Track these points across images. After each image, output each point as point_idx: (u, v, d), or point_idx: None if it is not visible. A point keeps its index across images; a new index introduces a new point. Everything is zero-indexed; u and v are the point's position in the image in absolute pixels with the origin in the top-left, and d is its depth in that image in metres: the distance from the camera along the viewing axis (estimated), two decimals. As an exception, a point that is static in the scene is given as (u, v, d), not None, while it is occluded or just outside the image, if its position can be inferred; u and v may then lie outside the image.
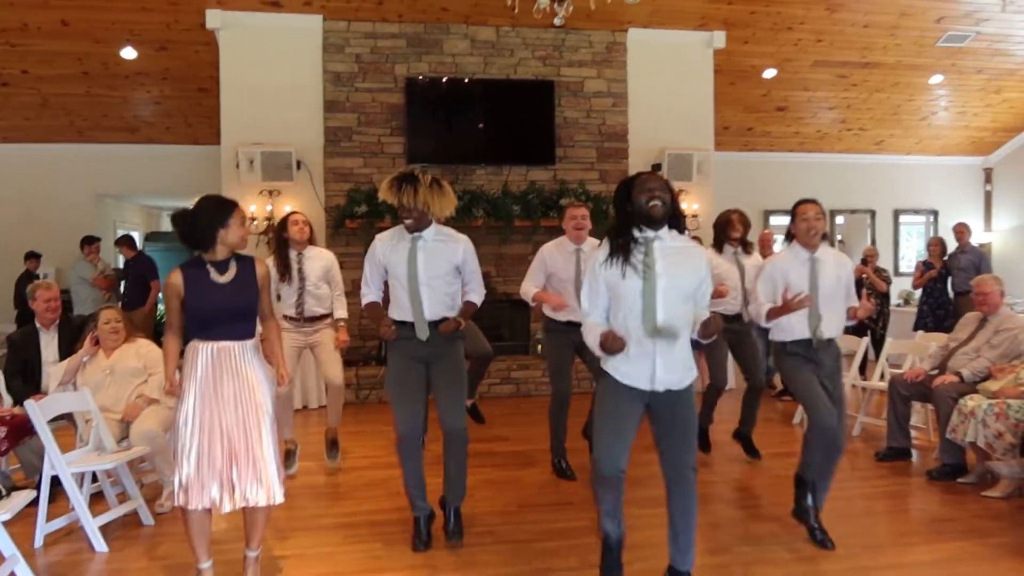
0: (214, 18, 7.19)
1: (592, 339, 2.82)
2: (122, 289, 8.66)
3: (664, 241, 2.82)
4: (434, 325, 3.53)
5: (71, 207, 9.44)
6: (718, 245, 5.07)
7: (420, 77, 7.64)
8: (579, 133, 8.03)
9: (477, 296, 3.73)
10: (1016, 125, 10.69)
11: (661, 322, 2.77)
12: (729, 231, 5.02)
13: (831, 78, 9.20)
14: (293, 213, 4.92)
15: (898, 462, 4.96)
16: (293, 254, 4.79)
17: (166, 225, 12.87)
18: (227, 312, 2.99)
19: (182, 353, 3.10)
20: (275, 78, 7.44)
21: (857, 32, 8.24)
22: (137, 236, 10.76)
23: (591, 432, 4.89)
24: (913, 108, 10.05)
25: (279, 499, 3.02)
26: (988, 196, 11.64)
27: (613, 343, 2.71)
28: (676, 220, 2.86)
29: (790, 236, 3.72)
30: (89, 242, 8.64)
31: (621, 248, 2.80)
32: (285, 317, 4.79)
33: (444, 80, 7.69)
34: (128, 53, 7.70)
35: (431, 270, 3.50)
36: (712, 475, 4.80)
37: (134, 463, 4.23)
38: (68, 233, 9.22)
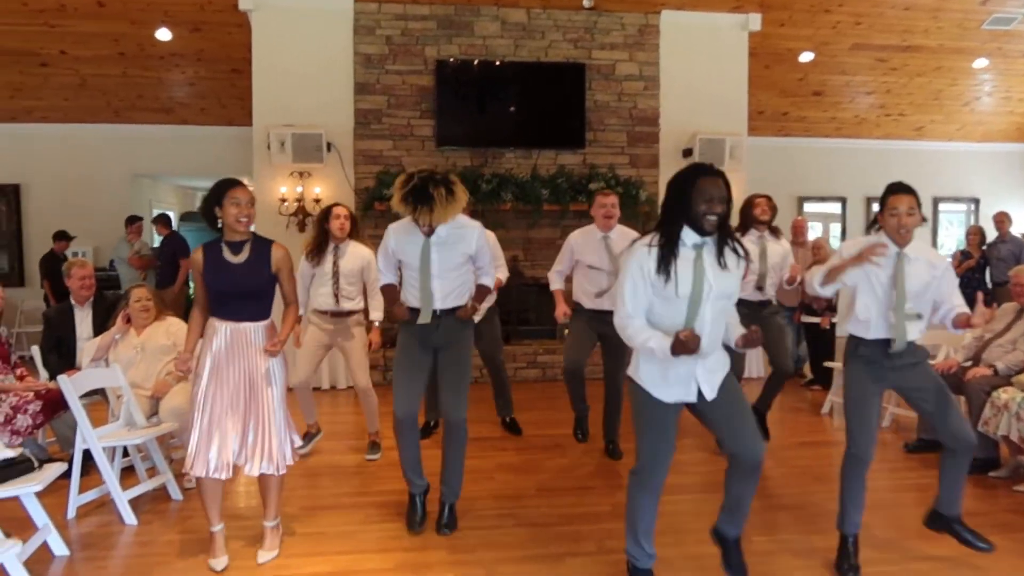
0: (247, 0, 7.23)
1: (655, 343, 2.62)
2: (158, 268, 8.83)
3: (711, 247, 2.70)
4: (447, 313, 3.54)
5: (108, 187, 9.62)
6: (743, 228, 5.00)
7: (450, 59, 7.62)
8: (610, 117, 7.95)
9: (490, 279, 3.72)
10: (1063, 111, 10.37)
11: (706, 333, 2.67)
12: (755, 212, 4.97)
13: (870, 62, 8.98)
14: (336, 205, 4.84)
15: (928, 454, 4.86)
16: (331, 246, 4.77)
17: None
18: (239, 292, 3.09)
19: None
20: (306, 60, 7.47)
21: (898, 15, 8.02)
22: (172, 216, 10.93)
23: (612, 427, 4.84)
24: (955, 93, 9.78)
25: (283, 470, 3.20)
26: (1032, 184, 11.33)
27: (692, 341, 2.56)
28: (725, 226, 2.71)
29: (875, 224, 3.24)
30: (131, 222, 8.82)
31: (668, 256, 2.65)
32: (314, 311, 4.82)
33: (474, 63, 7.66)
34: (163, 34, 7.78)
35: (444, 264, 3.50)
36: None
37: (164, 439, 4.33)
38: (105, 213, 9.42)
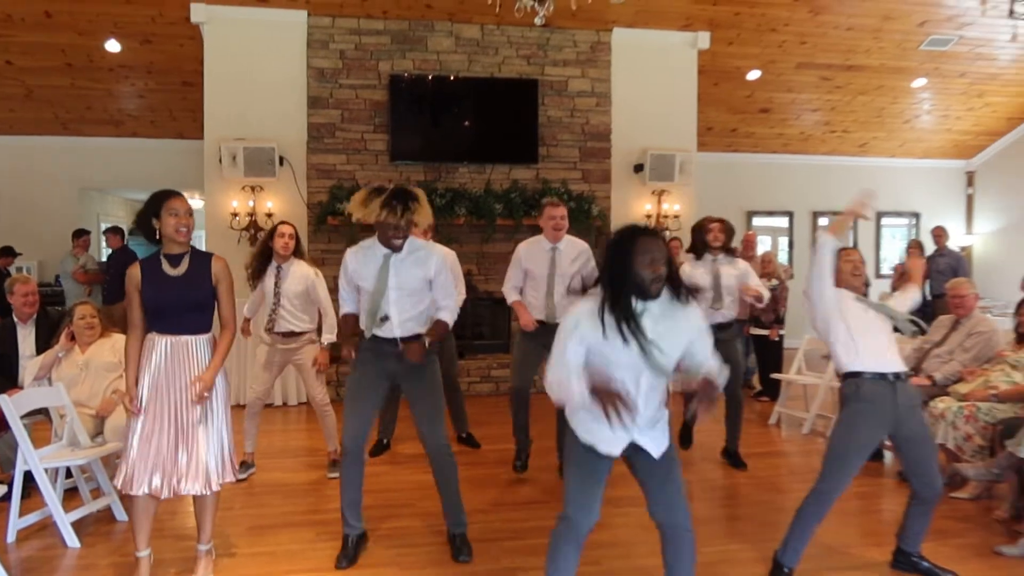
0: (199, 12, 7.16)
1: (575, 391, 2.44)
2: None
3: (653, 311, 2.50)
4: (404, 341, 3.42)
5: (55, 200, 9.41)
6: (696, 252, 5.04)
7: (404, 74, 7.64)
8: (562, 132, 8.05)
9: (449, 315, 3.52)
10: (998, 129, 10.80)
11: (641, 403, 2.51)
12: (707, 237, 4.98)
13: (815, 80, 9.25)
14: (282, 223, 4.81)
15: (870, 463, 4.99)
16: (273, 266, 4.74)
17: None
18: (179, 305, 3.05)
19: None
20: (259, 73, 7.42)
21: (840, 35, 8.29)
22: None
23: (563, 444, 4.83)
24: (896, 111, 10.13)
25: (215, 487, 3.13)
26: (970, 199, 11.75)
27: (607, 389, 2.36)
28: (674, 283, 2.54)
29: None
30: (77, 236, 8.63)
31: (617, 319, 2.46)
32: (266, 331, 4.80)
33: (428, 77, 7.69)
34: (112, 46, 7.66)
35: (403, 286, 3.39)
36: (688, 474, 4.83)
37: (109, 459, 4.23)
38: (52, 226, 9.22)
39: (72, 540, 3.61)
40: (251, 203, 7.44)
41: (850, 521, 4.03)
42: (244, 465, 4.83)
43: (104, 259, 9.04)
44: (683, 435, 5.31)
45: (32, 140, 9.24)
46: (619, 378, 2.47)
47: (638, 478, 2.66)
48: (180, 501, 3.90)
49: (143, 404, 3.04)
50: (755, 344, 7.47)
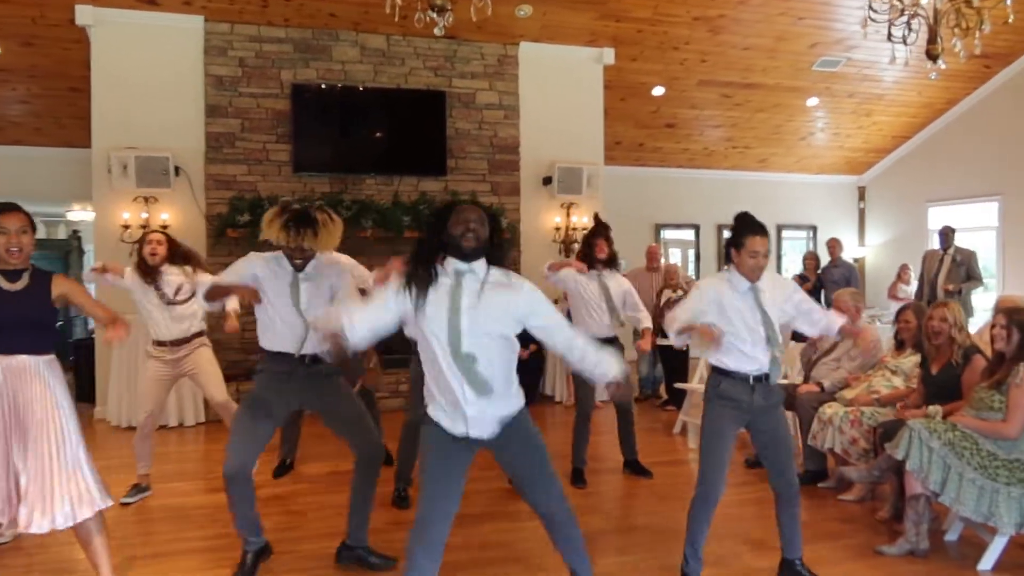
0: (84, 14, 6.80)
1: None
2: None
3: (476, 275, 2.60)
4: (313, 360, 3.34)
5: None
6: (588, 262, 5.00)
7: (308, 84, 7.47)
8: (471, 144, 8.03)
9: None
10: (885, 146, 11.39)
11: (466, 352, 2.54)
12: (594, 252, 4.99)
13: (716, 97, 9.55)
14: (151, 232, 4.81)
15: (761, 469, 5.13)
16: (133, 276, 4.61)
17: (41, 231, 12.14)
18: (16, 321, 2.86)
19: None
20: (152, 79, 7.11)
21: (738, 54, 8.58)
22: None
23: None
24: (792, 128, 10.55)
25: (78, 518, 2.89)
26: (862, 213, 12.35)
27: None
28: (495, 253, 2.67)
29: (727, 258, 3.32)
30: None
31: (420, 279, 2.57)
32: (155, 345, 4.63)
33: (333, 87, 7.55)
34: (-10, 48, 7.21)
35: (313, 303, 3.33)
36: (590, 488, 4.85)
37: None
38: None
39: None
40: (144, 215, 7.10)
41: (741, 527, 4.10)
42: (137, 488, 4.61)
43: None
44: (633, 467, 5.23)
45: (-100, 147, 8.60)
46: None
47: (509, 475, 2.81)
48: (50, 535, 3.64)
49: None
50: (661, 354, 7.59)
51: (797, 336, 8.14)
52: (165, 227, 7.08)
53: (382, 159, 7.76)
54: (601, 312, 4.90)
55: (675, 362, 7.46)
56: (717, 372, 3.29)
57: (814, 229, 12.12)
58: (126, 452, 4.99)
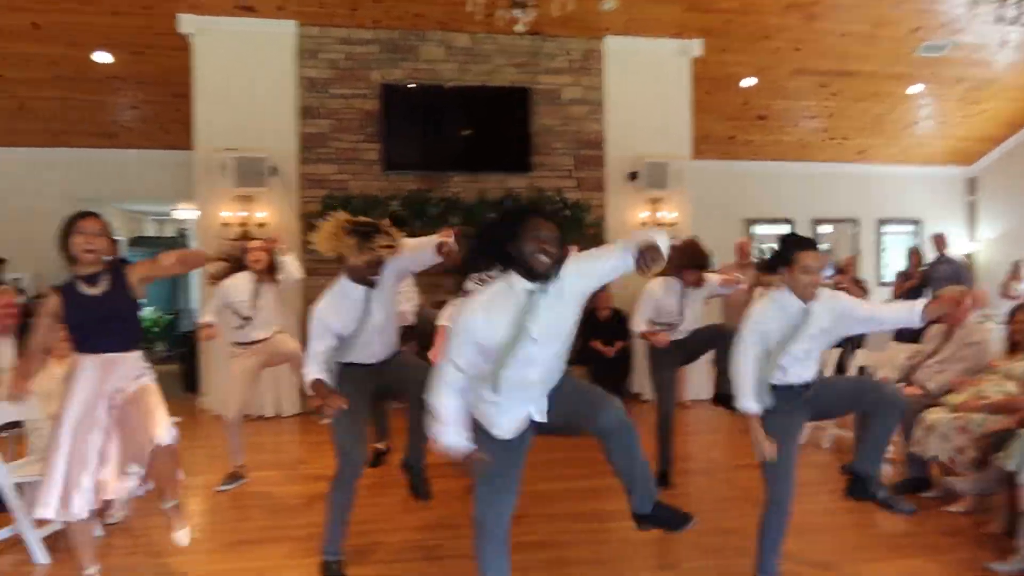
0: (187, 23, 7.15)
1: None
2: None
3: (546, 293, 2.46)
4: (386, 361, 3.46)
5: (49, 212, 9.29)
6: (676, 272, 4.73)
7: (397, 83, 7.61)
8: (555, 140, 8.00)
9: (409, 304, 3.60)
10: (997, 135, 10.69)
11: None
12: (685, 276, 4.71)
13: (811, 87, 9.18)
14: (252, 240, 5.04)
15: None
16: (249, 282, 4.79)
17: (150, 230, 12.83)
18: (102, 323, 3.02)
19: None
20: (249, 84, 7.40)
21: (835, 41, 8.22)
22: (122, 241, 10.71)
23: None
24: (895, 117, 10.04)
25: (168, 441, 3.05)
26: (971, 206, 11.64)
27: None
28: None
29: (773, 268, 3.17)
30: (67, 247, 8.59)
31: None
32: (236, 345, 4.84)
33: (420, 86, 7.66)
34: (102, 57, 7.65)
35: (382, 314, 3.35)
36: (685, 487, 4.76)
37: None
38: (46, 238, 9.10)
39: (42, 556, 3.55)
40: (243, 213, 7.40)
41: (839, 536, 3.94)
42: (233, 476, 4.81)
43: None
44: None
45: (25, 152, 9.21)
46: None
47: (556, 432, 2.73)
48: (156, 516, 3.83)
49: (69, 428, 2.98)
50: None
51: (902, 334, 7.77)
52: (262, 225, 7.38)
53: (468, 156, 7.82)
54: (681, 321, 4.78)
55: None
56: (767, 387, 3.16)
57: (918, 223, 11.50)
58: (253, 442, 5.20)
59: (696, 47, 8.13)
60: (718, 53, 8.28)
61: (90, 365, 3.03)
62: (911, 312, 3.11)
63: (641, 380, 7.85)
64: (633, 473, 2.68)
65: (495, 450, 2.56)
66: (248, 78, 7.39)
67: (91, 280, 3.05)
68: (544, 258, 2.39)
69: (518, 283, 2.43)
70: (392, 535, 3.92)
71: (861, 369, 5.98)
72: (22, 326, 4.77)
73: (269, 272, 4.86)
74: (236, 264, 4.85)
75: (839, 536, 3.92)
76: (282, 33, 7.40)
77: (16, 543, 3.72)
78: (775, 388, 3.12)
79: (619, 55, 8.07)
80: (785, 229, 11.18)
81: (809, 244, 3.07)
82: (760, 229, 11.17)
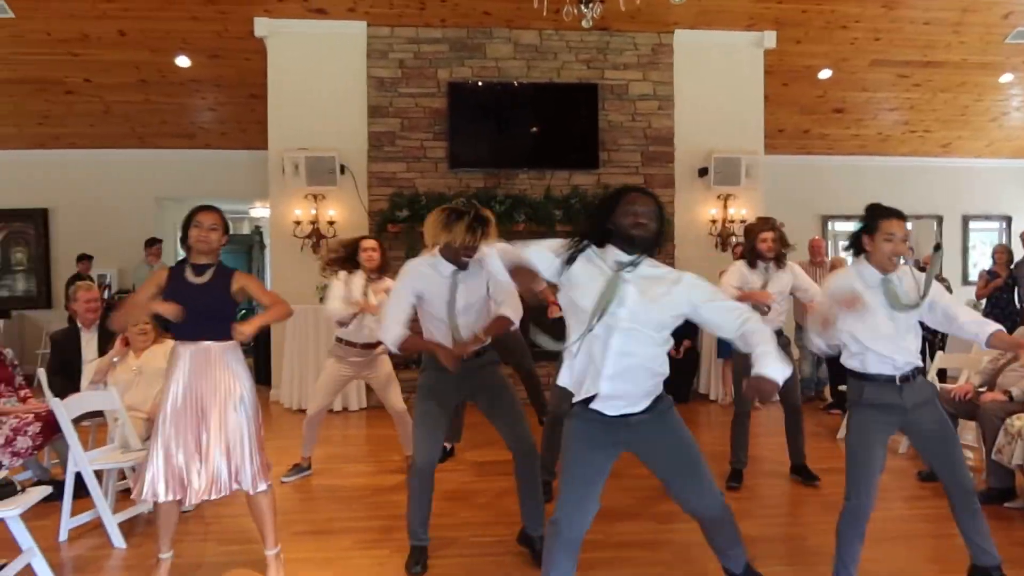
0: (262, 26, 7.35)
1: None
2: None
3: (636, 268, 2.52)
4: (475, 355, 3.40)
5: (133, 210, 9.81)
6: (750, 260, 4.68)
7: (464, 81, 7.65)
8: (623, 136, 7.90)
9: (511, 311, 3.45)
10: (1097, 126, 10.06)
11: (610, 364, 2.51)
12: (760, 247, 4.62)
13: (891, 78, 8.81)
14: (364, 239, 4.94)
15: (937, 483, 4.68)
16: (362, 279, 4.77)
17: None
18: (200, 311, 3.10)
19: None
20: (320, 84, 7.56)
21: (917, 30, 7.87)
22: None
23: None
24: (982, 109, 9.55)
25: (250, 488, 3.15)
26: (1067, 201, 11.00)
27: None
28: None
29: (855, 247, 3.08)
30: (150, 244, 8.97)
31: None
32: (342, 343, 4.81)
33: (487, 84, 7.68)
34: (182, 61, 7.94)
35: (469, 301, 3.36)
36: (755, 489, 4.64)
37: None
38: (130, 235, 9.60)
39: (118, 540, 3.70)
40: (313, 211, 7.57)
41: (914, 546, 3.76)
42: (298, 467, 4.92)
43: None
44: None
45: (111, 153, 9.67)
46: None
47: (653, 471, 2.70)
48: (233, 505, 3.95)
49: (169, 416, 3.09)
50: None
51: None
52: (331, 223, 7.53)
53: (534, 153, 7.81)
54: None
55: (837, 363, 6.96)
56: (856, 377, 3.04)
57: (1007, 220, 10.93)
58: (296, 432, 5.30)
59: (770, 38, 7.90)
60: (792, 44, 8.04)
61: (185, 353, 3.15)
62: (980, 329, 2.95)
63: (707, 380, 7.70)
64: (728, 553, 2.77)
65: (594, 434, 2.59)
66: (319, 79, 7.56)
67: (199, 270, 3.18)
68: (639, 231, 2.47)
69: (611, 255, 2.51)
70: (470, 530, 3.93)
71: (941, 373, 5.72)
72: (103, 320, 5.00)
73: (380, 272, 4.84)
74: (350, 260, 4.86)
75: (913, 546, 3.75)
76: (352, 34, 7.54)
77: (95, 527, 3.89)
78: (867, 379, 3.00)
79: (689, 48, 7.92)
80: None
81: (894, 212, 2.95)
82: (838, 226, 10.81)
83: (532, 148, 7.82)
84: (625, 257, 2.50)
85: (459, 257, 3.29)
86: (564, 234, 7.81)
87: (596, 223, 2.57)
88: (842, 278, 3.08)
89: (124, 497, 4.22)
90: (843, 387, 6.37)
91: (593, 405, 2.57)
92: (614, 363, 2.50)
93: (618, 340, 2.48)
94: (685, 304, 2.54)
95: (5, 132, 9.16)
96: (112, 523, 3.72)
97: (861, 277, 2.99)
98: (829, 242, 10.46)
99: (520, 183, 7.79)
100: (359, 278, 4.76)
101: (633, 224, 2.47)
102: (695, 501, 2.69)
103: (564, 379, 2.65)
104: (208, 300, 3.14)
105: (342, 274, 4.80)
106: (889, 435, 3.06)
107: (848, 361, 3.07)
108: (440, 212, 3.30)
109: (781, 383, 2.41)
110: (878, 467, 2.98)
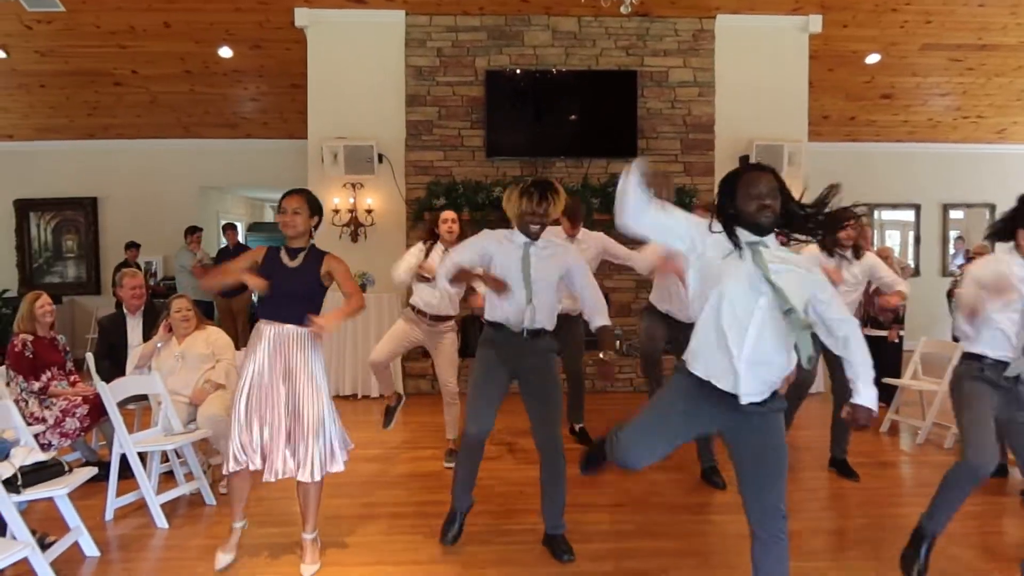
0: (302, 16, 7.42)
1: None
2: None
3: (769, 249, 2.42)
4: (533, 334, 3.41)
5: (178, 199, 10.02)
6: (827, 250, 4.47)
7: (501, 69, 7.63)
8: (663, 124, 7.81)
9: (602, 317, 3.48)
10: None
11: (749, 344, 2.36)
12: (839, 236, 4.40)
13: (943, 62, 8.55)
14: (444, 211, 5.00)
15: (991, 479, 4.55)
16: (439, 252, 4.74)
17: (269, 216, 13.45)
18: (289, 294, 3.20)
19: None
20: (359, 73, 7.61)
21: (971, 12, 7.61)
22: (240, 226, 11.29)
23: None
24: (1040, 93, 9.23)
25: (317, 477, 3.23)
26: None
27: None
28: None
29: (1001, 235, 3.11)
30: (191, 232, 9.15)
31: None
32: (413, 310, 4.85)
33: (525, 72, 7.65)
34: (225, 52, 8.06)
35: (541, 276, 3.37)
36: (800, 483, 4.56)
37: (204, 445, 4.44)
38: (175, 223, 9.80)
39: (161, 520, 3.78)
40: (352, 200, 7.64)
41: (959, 546, 3.65)
42: (388, 412, 5.15)
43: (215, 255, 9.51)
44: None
45: (157, 143, 9.88)
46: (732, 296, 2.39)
47: (733, 462, 2.53)
48: (272, 488, 4.02)
49: (247, 389, 3.18)
50: (871, 346, 6.92)
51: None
52: (369, 211, 7.59)
53: (572, 142, 7.76)
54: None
55: (886, 355, 6.81)
56: (971, 358, 3.14)
57: (1066, 209, 10.54)
58: (347, 420, 5.37)
59: (815, 22, 7.72)
60: (839, 28, 7.84)
61: (269, 332, 3.23)
62: None
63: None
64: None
65: (701, 405, 2.47)
66: (358, 68, 7.60)
67: (292, 253, 3.28)
68: (765, 216, 2.37)
69: (743, 236, 2.42)
70: (503, 517, 3.95)
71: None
72: (148, 306, 5.12)
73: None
74: (431, 232, 4.91)
75: (957, 545, 3.64)
76: (391, 23, 7.56)
77: (139, 507, 3.99)
78: (987, 361, 3.08)
79: (731, 34, 7.78)
80: (909, 215, 10.51)
81: None
82: (885, 215, 10.56)
83: (570, 136, 7.77)
84: (753, 237, 2.40)
85: (528, 225, 3.32)
86: (601, 224, 7.76)
87: (718, 211, 2.47)
88: (992, 264, 3.10)
89: (167, 478, 4.32)
90: (887, 379, 6.26)
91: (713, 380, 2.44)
92: (752, 349, 2.37)
93: (755, 327, 2.36)
94: (812, 292, 2.43)
95: (57, 123, 9.41)
96: (155, 504, 3.81)
97: (1014, 266, 3.03)
98: (875, 231, 10.23)
99: (557, 171, 7.75)
100: (436, 251, 4.78)
101: (759, 209, 2.37)
102: (756, 511, 2.49)
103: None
104: (296, 285, 3.22)
105: (420, 244, 4.88)
106: (992, 402, 3.08)
107: (972, 347, 3.15)
108: (514, 185, 3.41)
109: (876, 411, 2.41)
110: (990, 425, 3.01)
